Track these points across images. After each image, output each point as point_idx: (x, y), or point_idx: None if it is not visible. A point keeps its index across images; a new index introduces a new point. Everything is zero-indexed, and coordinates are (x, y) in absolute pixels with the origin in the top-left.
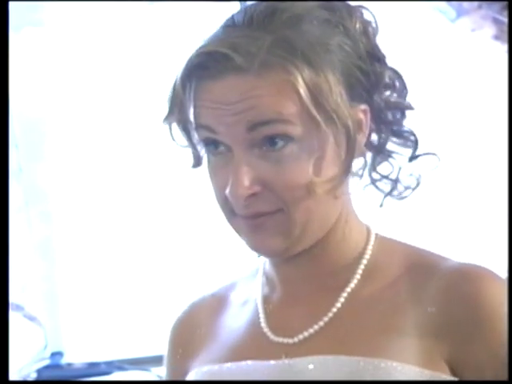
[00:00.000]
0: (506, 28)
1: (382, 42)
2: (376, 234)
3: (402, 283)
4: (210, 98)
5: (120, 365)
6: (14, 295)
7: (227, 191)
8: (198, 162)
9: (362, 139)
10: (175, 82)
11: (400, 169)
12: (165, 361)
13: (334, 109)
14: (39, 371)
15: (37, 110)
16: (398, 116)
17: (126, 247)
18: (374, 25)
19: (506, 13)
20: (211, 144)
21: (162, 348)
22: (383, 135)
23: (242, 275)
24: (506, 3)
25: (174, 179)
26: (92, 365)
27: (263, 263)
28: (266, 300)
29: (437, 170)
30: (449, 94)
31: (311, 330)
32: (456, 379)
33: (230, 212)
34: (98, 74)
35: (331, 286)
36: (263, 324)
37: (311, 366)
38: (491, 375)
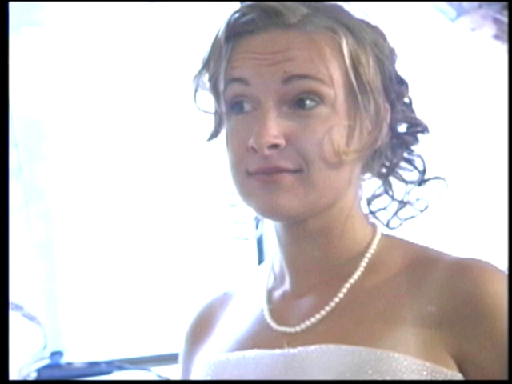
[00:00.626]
0: (506, 27)
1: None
2: (382, 233)
3: (404, 277)
4: (249, 49)
5: (120, 364)
6: (14, 295)
7: (250, 141)
8: (218, 129)
9: (385, 128)
10: (217, 33)
11: (409, 192)
12: (179, 360)
13: (369, 81)
14: (39, 371)
15: (37, 109)
16: (410, 140)
17: (126, 247)
18: (396, 54)
19: (506, 12)
20: (238, 103)
21: (162, 348)
22: (398, 152)
23: (254, 272)
24: (506, 3)
25: (175, 178)
26: (92, 364)
27: (272, 257)
28: (272, 292)
29: (436, 170)
30: (449, 94)
31: (313, 320)
32: (458, 374)
33: (244, 172)
34: (97, 74)
35: (335, 278)
36: (267, 315)
37: (314, 356)
38: (495, 365)
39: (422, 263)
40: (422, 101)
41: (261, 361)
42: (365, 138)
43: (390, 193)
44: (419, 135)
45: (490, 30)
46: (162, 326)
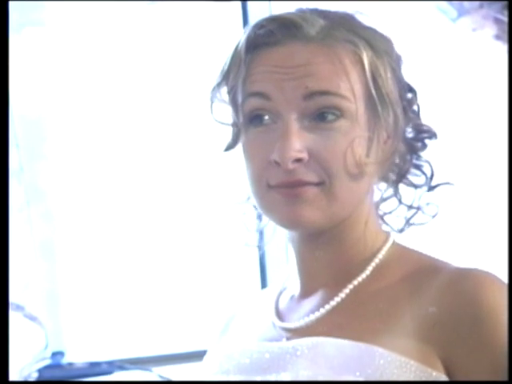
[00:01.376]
0: (506, 28)
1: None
2: (394, 241)
3: (404, 283)
4: (270, 62)
5: (121, 364)
6: (15, 295)
7: (273, 156)
8: (235, 140)
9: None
10: (237, 46)
11: (419, 197)
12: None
13: (387, 92)
14: (40, 371)
15: (37, 109)
16: (419, 145)
17: (127, 247)
18: (402, 60)
19: (506, 12)
20: (257, 116)
21: (163, 348)
22: (407, 159)
23: (280, 276)
24: (506, 3)
25: (176, 178)
26: (93, 364)
27: (290, 262)
28: (282, 294)
29: (436, 170)
30: (449, 94)
31: (312, 316)
32: (443, 375)
33: (266, 185)
34: (98, 74)
35: (341, 280)
36: (272, 314)
37: (303, 349)
38: (481, 371)
39: (425, 271)
40: (422, 101)
41: (258, 353)
42: (384, 149)
43: (400, 198)
44: (427, 141)
45: (491, 30)
46: (164, 327)
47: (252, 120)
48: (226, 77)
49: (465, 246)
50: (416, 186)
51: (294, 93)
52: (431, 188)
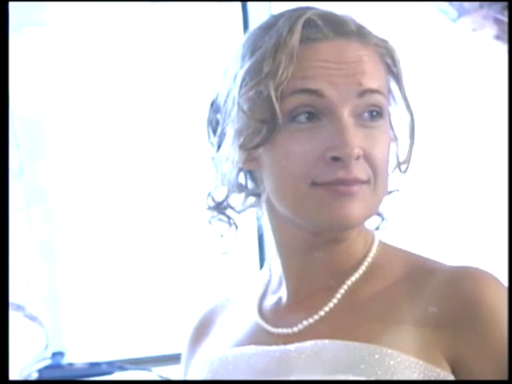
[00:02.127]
0: (506, 28)
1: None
2: (379, 240)
3: (402, 284)
4: (321, 57)
5: (121, 365)
6: (16, 295)
7: (332, 152)
8: (269, 137)
9: None
10: (283, 39)
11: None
12: (181, 361)
13: (406, 94)
14: (40, 371)
15: (38, 109)
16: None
17: (127, 247)
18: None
19: (506, 13)
20: (302, 112)
21: (163, 348)
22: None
23: (253, 279)
24: (506, 3)
25: (177, 178)
26: (93, 365)
27: (269, 263)
28: (265, 298)
29: (437, 171)
30: (450, 94)
31: (310, 320)
32: (451, 375)
33: (310, 183)
34: (98, 74)
35: (334, 284)
36: (259, 319)
37: (309, 351)
38: (486, 369)
39: (420, 271)
40: (422, 101)
41: (257, 357)
42: (407, 148)
43: None
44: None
45: (491, 30)
46: (163, 327)
47: (295, 116)
48: (273, 71)
49: (464, 245)
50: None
51: (348, 90)
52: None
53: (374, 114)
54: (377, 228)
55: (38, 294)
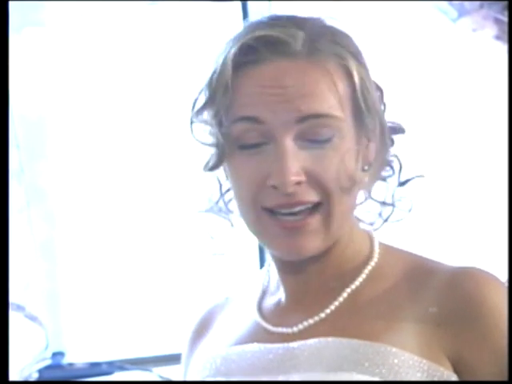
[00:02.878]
0: (507, 28)
1: (384, 42)
2: (379, 241)
3: (403, 285)
4: (258, 82)
5: (121, 365)
6: (16, 295)
7: (271, 180)
8: (219, 162)
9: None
10: (221, 66)
11: (394, 193)
12: (181, 362)
13: (374, 103)
14: (40, 371)
15: (38, 110)
16: (389, 143)
17: (127, 247)
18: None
19: (506, 13)
20: (247, 138)
21: (163, 348)
22: (379, 157)
23: (252, 279)
24: (506, 3)
25: (177, 178)
26: (93, 365)
27: (267, 265)
28: (264, 298)
29: (436, 171)
30: (450, 94)
31: (311, 321)
32: (454, 374)
33: (260, 209)
34: (98, 74)
35: (334, 287)
36: (259, 319)
37: (313, 348)
38: (488, 368)
39: (420, 273)
40: (423, 101)
41: (259, 354)
42: (375, 159)
43: (374, 196)
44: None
45: (491, 30)
46: (164, 327)
47: (241, 142)
48: (211, 99)
49: (464, 245)
50: (387, 181)
51: (287, 116)
52: (402, 183)
53: (322, 135)
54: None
55: (38, 294)
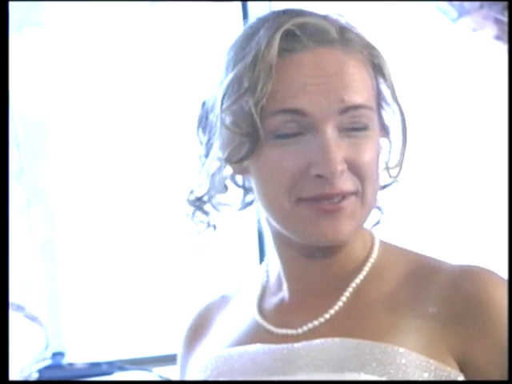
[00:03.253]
0: (507, 28)
1: (384, 42)
2: (380, 240)
3: (406, 284)
4: (301, 71)
5: (121, 365)
6: (16, 295)
7: (315, 170)
8: (250, 153)
9: None
10: (264, 50)
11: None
12: (177, 361)
13: (397, 96)
14: (40, 371)
15: (38, 110)
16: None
17: (128, 247)
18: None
19: (507, 13)
20: (286, 129)
21: (163, 348)
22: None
23: (250, 278)
24: (506, 3)
25: (177, 178)
26: (93, 365)
27: (266, 263)
28: (265, 298)
29: (437, 171)
30: (450, 94)
31: (316, 322)
32: (460, 374)
33: (295, 199)
34: (99, 75)
35: (337, 286)
36: (260, 320)
37: (318, 349)
38: (495, 368)
39: (423, 272)
40: (422, 101)
41: (263, 355)
42: (399, 152)
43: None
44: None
45: (491, 30)
46: (164, 327)
47: (278, 132)
48: (252, 85)
49: (464, 244)
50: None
51: (330, 107)
52: (382, 187)
53: (360, 126)
54: (377, 223)
55: (38, 294)
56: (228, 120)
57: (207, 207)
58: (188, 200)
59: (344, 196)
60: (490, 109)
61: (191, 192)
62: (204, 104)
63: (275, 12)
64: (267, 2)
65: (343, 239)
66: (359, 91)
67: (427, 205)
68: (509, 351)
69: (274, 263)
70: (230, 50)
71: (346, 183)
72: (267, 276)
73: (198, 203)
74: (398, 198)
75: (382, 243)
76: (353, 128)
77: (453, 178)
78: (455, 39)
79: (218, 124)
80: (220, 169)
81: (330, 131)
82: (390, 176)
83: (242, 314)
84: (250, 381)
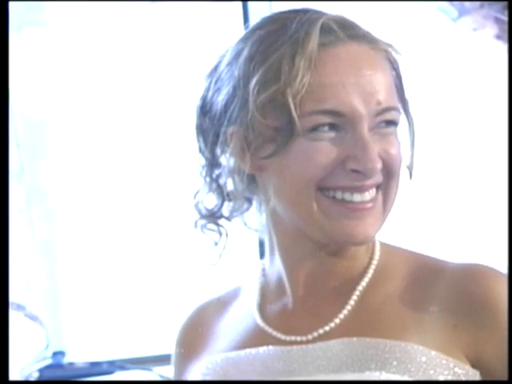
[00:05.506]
0: (507, 28)
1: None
2: (379, 241)
3: (412, 284)
4: (338, 65)
5: (122, 364)
6: (16, 295)
7: (355, 165)
8: (284, 146)
9: None
10: (303, 43)
11: None
12: (172, 362)
13: (407, 97)
14: (41, 371)
15: (38, 109)
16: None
17: (128, 246)
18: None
19: (507, 12)
20: (322, 125)
21: (163, 348)
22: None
23: (247, 279)
24: (507, 3)
25: (177, 178)
26: (94, 364)
27: (261, 268)
28: (266, 304)
29: (436, 170)
30: (450, 94)
31: (326, 328)
32: (477, 372)
33: (321, 188)
34: (99, 74)
35: (343, 291)
36: (267, 327)
37: (335, 349)
38: (507, 366)
39: (427, 270)
40: (422, 101)
41: (275, 357)
42: (409, 155)
43: None
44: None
45: (491, 30)
46: (164, 326)
47: (312, 128)
48: (291, 78)
49: (463, 243)
50: None
51: (367, 109)
52: None
53: (390, 125)
54: None
55: (39, 293)
56: (259, 114)
57: (221, 221)
58: (201, 215)
59: (372, 196)
60: (490, 108)
61: (203, 206)
62: (201, 108)
63: (295, 10)
64: (267, 2)
65: (369, 240)
66: (391, 92)
67: (427, 205)
68: (509, 351)
69: (274, 268)
70: (252, 45)
71: (377, 177)
72: (264, 282)
73: (212, 217)
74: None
75: (383, 244)
76: (384, 126)
77: (452, 177)
78: (455, 39)
79: (243, 119)
80: (231, 174)
81: (367, 130)
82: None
83: (244, 319)
84: (252, 381)
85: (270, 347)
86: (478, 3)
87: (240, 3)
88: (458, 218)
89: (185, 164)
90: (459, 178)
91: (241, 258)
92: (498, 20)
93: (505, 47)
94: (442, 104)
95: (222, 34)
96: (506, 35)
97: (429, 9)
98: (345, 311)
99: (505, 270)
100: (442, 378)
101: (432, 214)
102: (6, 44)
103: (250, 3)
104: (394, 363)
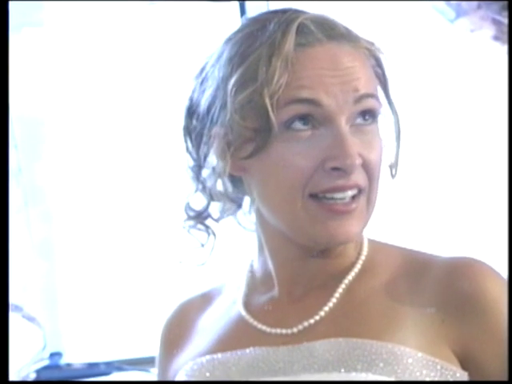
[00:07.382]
0: (505, 29)
1: (381, 42)
2: (367, 238)
3: (399, 280)
4: (316, 64)
5: (119, 365)
6: (14, 296)
7: (334, 163)
8: (263, 146)
9: None
10: (280, 43)
11: None
12: (156, 361)
13: (392, 96)
14: (38, 372)
15: (36, 110)
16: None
17: (125, 248)
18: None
19: (505, 13)
20: (299, 120)
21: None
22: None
23: (232, 276)
24: (505, 3)
25: (175, 178)
26: (91, 365)
27: (250, 264)
28: (253, 298)
29: (435, 170)
30: (448, 95)
31: (311, 321)
32: (465, 372)
33: (307, 197)
34: (97, 75)
35: (329, 285)
36: (251, 320)
37: (321, 349)
38: (496, 362)
39: (415, 264)
40: (421, 102)
41: (261, 357)
42: (394, 152)
43: None
44: None
45: (489, 31)
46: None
47: (291, 124)
48: (268, 78)
49: (463, 242)
50: None
51: (344, 97)
52: None
53: (367, 117)
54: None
55: (36, 294)
56: (237, 115)
57: (208, 221)
58: (188, 216)
59: (354, 196)
60: (488, 109)
61: (190, 207)
62: (190, 110)
63: (274, 10)
64: (265, 2)
65: (352, 240)
66: (370, 82)
67: (427, 205)
68: (509, 351)
69: (261, 264)
70: (231, 46)
71: (359, 178)
72: (251, 277)
73: (199, 218)
74: (394, 196)
75: (371, 241)
76: (362, 119)
77: (451, 177)
78: (453, 40)
79: (222, 120)
80: (215, 175)
81: (344, 123)
82: (392, 175)
83: (228, 314)
84: (249, 381)
85: (256, 348)
86: (475, 4)
87: (237, 3)
88: (457, 217)
89: (182, 164)
90: (459, 178)
91: (231, 258)
92: (495, 21)
93: (502, 48)
94: (440, 105)
95: (220, 34)
96: (503, 36)
97: (426, 10)
98: (330, 304)
99: (505, 270)
100: (428, 380)
101: (432, 213)
102: (5, 44)
103: (247, 3)
104: (381, 365)
